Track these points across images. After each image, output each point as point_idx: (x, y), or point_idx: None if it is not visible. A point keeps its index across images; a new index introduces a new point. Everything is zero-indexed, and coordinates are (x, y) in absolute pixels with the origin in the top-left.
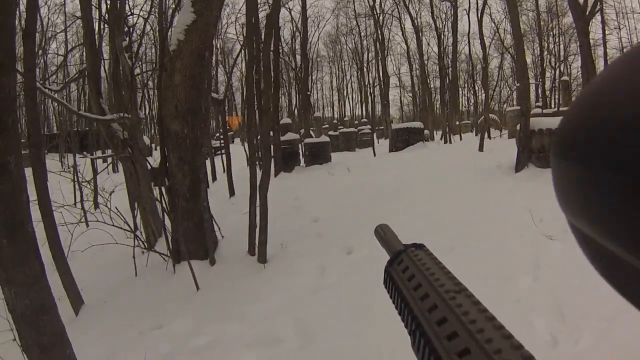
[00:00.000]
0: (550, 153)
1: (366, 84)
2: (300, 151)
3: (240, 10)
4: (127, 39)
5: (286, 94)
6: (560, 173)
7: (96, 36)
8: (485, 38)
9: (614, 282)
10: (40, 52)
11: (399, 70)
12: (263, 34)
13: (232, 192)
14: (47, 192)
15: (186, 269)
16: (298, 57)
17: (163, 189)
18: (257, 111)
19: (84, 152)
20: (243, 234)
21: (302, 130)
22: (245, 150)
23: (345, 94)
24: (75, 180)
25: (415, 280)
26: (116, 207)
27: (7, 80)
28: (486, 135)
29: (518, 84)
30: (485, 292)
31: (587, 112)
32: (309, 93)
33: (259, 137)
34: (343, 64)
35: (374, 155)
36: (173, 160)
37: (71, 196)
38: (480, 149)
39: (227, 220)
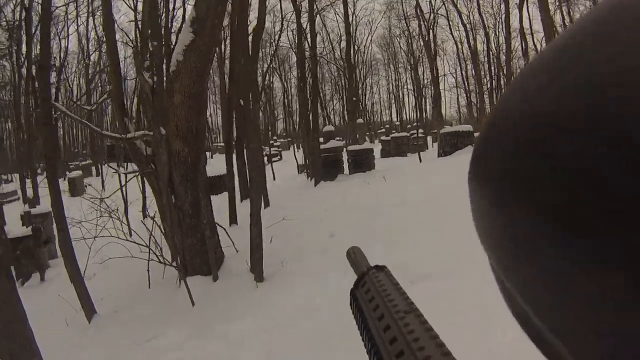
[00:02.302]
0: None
1: (420, 86)
2: (344, 159)
3: (290, 18)
4: (149, 58)
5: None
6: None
7: (120, 57)
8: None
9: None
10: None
11: (455, 70)
12: (250, 49)
13: (267, 204)
14: (62, 210)
15: (191, 282)
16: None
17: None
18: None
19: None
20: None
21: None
22: (295, 157)
23: (401, 97)
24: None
25: (374, 302)
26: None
27: None
28: None
29: None
30: None
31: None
32: (354, 99)
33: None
34: (398, 66)
35: (420, 161)
36: (177, 179)
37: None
38: None
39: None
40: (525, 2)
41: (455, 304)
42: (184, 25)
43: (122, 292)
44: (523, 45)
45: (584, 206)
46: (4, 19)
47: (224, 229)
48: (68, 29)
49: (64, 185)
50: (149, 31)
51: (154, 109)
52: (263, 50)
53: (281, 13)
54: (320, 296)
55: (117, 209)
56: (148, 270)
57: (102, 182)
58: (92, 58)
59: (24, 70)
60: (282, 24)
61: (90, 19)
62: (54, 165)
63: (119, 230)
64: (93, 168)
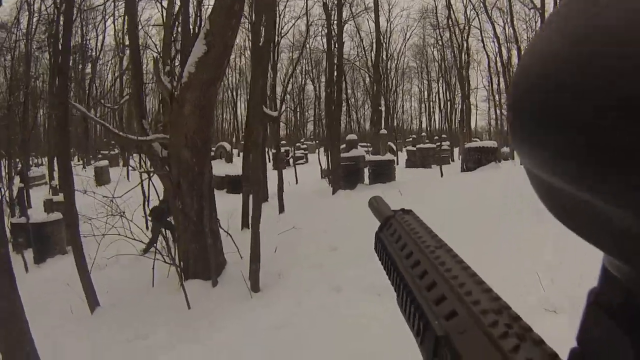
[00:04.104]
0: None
1: (451, 97)
2: (365, 168)
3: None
4: (170, 63)
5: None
6: (512, 123)
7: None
8: None
9: (572, 224)
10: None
11: (488, 83)
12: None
13: (282, 209)
14: (74, 206)
15: (190, 286)
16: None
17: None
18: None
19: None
20: (262, 256)
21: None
22: (319, 161)
23: (431, 107)
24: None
25: (402, 241)
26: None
27: None
28: None
29: None
30: None
31: (534, 65)
32: (380, 108)
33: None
34: (430, 75)
35: (441, 175)
36: (184, 186)
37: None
38: None
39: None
40: None
41: None
42: (198, 38)
43: (127, 287)
44: None
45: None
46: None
47: (230, 236)
48: (105, 22)
49: (90, 173)
50: (172, 37)
51: (171, 114)
52: (295, 52)
53: (307, 17)
54: (304, 314)
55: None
56: (153, 269)
57: (128, 174)
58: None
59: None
60: (307, 29)
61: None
62: (66, 166)
63: (127, 230)
64: (120, 159)
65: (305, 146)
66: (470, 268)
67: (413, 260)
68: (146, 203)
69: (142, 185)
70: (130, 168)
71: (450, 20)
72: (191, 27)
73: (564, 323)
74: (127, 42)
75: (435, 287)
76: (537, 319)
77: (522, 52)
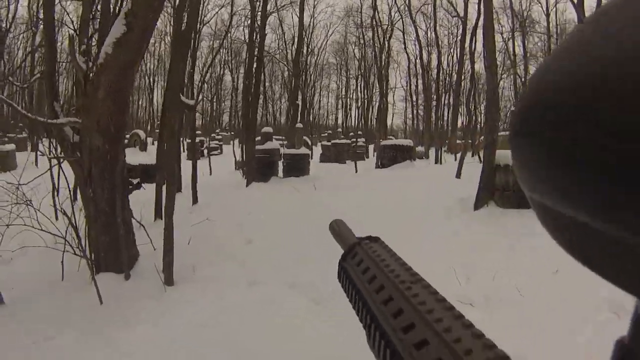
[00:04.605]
0: (509, 132)
1: (368, 95)
2: (280, 162)
3: (247, 15)
4: (86, 42)
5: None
6: (519, 151)
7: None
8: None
9: (579, 253)
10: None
11: (407, 83)
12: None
13: (195, 200)
14: None
15: (102, 280)
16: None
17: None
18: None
19: (40, 151)
20: (175, 248)
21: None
22: (234, 153)
23: (348, 104)
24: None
25: (369, 273)
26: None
27: None
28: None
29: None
30: None
31: (541, 88)
32: (297, 102)
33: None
34: (349, 72)
35: (356, 171)
36: (95, 174)
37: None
38: (458, 175)
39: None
40: (476, 27)
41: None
42: (117, 18)
43: (35, 283)
44: (470, 69)
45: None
46: None
47: (143, 227)
48: None
49: None
50: (90, 14)
51: (85, 97)
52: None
53: (231, 6)
54: (221, 310)
55: (31, 200)
56: (62, 262)
57: (36, 159)
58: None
59: None
60: (230, 18)
61: None
62: None
63: (34, 220)
64: (29, 143)
65: (220, 137)
66: (456, 309)
67: (385, 296)
68: (55, 191)
69: (51, 172)
70: (39, 153)
71: (374, 21)
72: (112, 6)
73: (478, 316)
74: (41, 16)
75: (413, 330)
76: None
77: (531, 77)
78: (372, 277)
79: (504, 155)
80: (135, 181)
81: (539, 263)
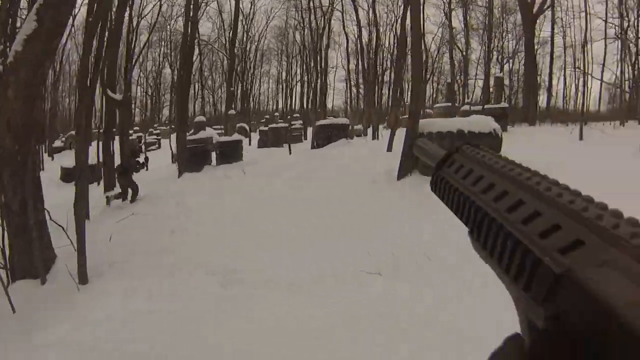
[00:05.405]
0: None
1: (308, 78)
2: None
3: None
4: (3, 42)
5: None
6: None
7: None
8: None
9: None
10: None
11: (348, 63)
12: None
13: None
14: None
15: (18, 287)
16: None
17: None
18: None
19: None
20: (92, 247)
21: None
22: (170, 146)
23: (290, 88)
24: None
25: (474, 174)
26: None
27: None
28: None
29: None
30: None
31: None
32: (232, 89)
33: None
34: (290, 56)
35: (290, 153)
36: (6, 176)
37: None
38: (389, 149)
39: (94, 229)
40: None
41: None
42: (29, 15)
43: None
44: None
45: None
46: None
47: (63, 228)
48: None
49: None
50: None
51: None
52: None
53: None
54: (134, 301)
55: None
56: None
57: None
58: None
59: None
60: (159, 8)
61: None
62: None
63: None
64: None
65: (158, 131)
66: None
67: (498, 191)
68: None
69: None
70: None
71: (313, 2)
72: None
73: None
74: None
75: (539, 217)
76: (363, 280)
77: None
78: (478, 177)
79: (428, 124)
80: (141, 160)
81: (449, 230)
